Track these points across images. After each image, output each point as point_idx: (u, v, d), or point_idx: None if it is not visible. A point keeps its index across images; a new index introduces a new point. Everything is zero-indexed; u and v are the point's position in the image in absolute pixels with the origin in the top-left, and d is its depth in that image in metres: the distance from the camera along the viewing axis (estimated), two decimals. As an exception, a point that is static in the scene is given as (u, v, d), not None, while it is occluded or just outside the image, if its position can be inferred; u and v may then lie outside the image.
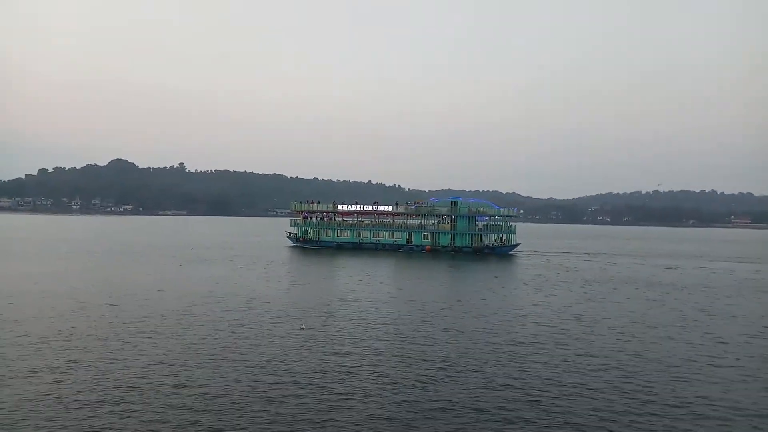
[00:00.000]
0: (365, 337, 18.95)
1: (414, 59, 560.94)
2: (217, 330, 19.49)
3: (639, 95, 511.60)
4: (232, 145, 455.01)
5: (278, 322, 20.96)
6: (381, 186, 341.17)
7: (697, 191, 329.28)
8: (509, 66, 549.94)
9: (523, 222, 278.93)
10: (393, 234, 63.41)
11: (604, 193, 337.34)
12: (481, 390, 14.03)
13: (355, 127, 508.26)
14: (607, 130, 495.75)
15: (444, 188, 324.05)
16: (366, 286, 31.70)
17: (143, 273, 35.40)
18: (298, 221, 67.13)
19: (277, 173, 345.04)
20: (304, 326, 19.78)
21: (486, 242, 61.11)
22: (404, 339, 19.01)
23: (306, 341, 18.25)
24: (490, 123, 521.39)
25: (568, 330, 21.12)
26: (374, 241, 63.05)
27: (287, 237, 68.92)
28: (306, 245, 64.78)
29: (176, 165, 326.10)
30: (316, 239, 65.02)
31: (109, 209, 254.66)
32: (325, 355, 16.68)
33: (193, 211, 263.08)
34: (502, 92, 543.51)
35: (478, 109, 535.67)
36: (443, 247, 60.98)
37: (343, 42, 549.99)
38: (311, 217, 68.22)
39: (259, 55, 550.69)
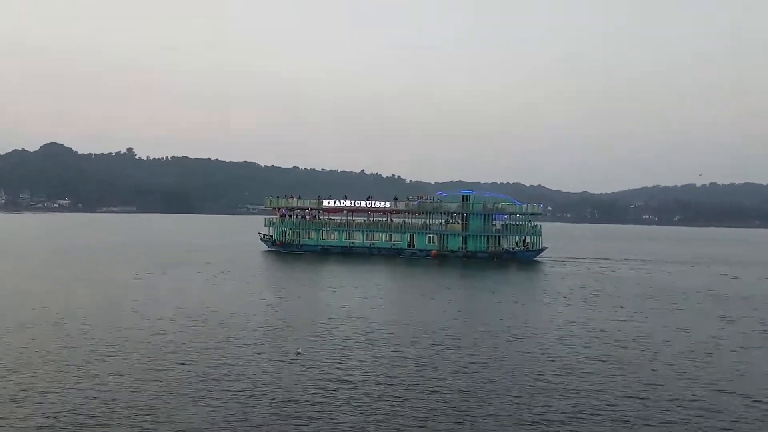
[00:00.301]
0: (373, 364, 18.97)
1: (421, 22, 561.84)
2: (194, 356, 19.36)
3: (697, 71, 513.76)
4: (193, 126, 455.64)
5: (267, 345, 20.97)
6: (377, 177, 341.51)
7: (765, 184, 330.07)
8: (535, 40, 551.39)
9: (551, 221, 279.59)
10: (391, 236, 63.51)
11: (650, 186, 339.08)
12: (532, 429, 13.94)
13: (345, 105, 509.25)
14: (652, 111, 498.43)
15: (454, 180, 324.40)
16: (362, 301, 31.69)
17: (91, 285, 35.30)
18: (274, 220, 67.18)
19: (248, 161, 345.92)
20: (300, 350, 19.90)
21: (505, 246, 61.29)
22: (419, 365, 19.02)
23: (305, 368, 18.23)
24: (511, 103, 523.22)
25: (625, 354, 20.96)
26: (368, 245, 63.15)
27: (261, 239, 68.96)
28: (284, 249, 64.83)
29: (123, 151, 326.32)
30: (297, 242, 65.06)
31: (40, 205, 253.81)
32: (329, 384, 16.61)
33: (144, 207, 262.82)
34: (526, 68, 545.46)
35: (497, 87, 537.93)
36: (452, 251, 61.12)
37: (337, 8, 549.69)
38: (290, 215, 68.23)
39: (225, 19, 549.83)
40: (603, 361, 20.17)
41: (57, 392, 15.61)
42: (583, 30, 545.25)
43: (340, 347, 20.92)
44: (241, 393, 15.81)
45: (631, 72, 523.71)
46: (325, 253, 62.47)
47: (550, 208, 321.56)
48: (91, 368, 17.82)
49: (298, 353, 19.59)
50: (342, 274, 43.95)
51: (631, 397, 16.47)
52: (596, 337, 23.81)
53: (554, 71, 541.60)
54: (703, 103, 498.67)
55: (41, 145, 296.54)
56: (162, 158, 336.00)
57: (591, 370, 18.94)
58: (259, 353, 19.94)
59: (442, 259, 59.68)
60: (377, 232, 63.79)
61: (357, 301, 31.21)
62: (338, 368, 18.30)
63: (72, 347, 20.08)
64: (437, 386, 16.86)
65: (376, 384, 16.83)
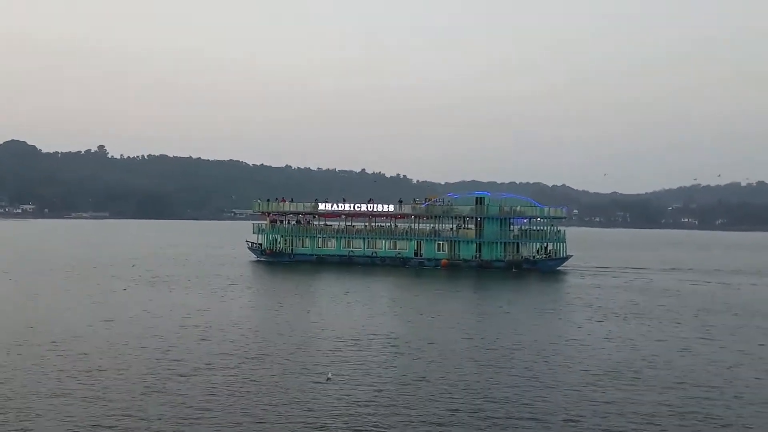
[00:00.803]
0: (403, 387, 19.14)
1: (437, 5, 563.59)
2: (212, 383, 19.25)
3: (741, 53, 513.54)
4: (172, 120, 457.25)
5: (288, 370, 20.92)
6: (379, 177, 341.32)
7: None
8: (554, 19, 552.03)
9: (577, 226, 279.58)
10: (395, 243, 63.53)
11: (687, 185, 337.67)
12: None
13: (343, 96, 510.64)
14: (689, 100, 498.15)
15: (466, 179, 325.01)
16: (367, 318, 31.50)
17: (76, 299, 35.46)
18: (264, 226, 67.26)
19: (234, 159, 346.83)
20: (330, 376, 20.01)
21: (525, 254, 61.23)
22: (442, 390, 19.02)
23: (338, 396, 18.24)
24: (529, 93, 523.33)
25: (697, 382, 20.45)
26: (369, 254, 63.17)
27: (249, 248, 69.05)
28: (275, 259, 64.89)
29: (94, 149, 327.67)
30: (289, 251, 65.15)
31: (0, 210, 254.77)
32: (367, 415, 16.54)
33: (118, 212, 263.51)
34: (545, 54, 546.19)
35: (512, 75, 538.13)
36: (465, 261, 61.08)
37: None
38: (282, 221, 68.27)
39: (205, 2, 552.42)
40: (674, 391, 19.53)
41: None
42: (610, 15, 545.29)
43: (361, 371, 20.90)
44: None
45: (667, 53, 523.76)
46: (321, 263, 62.47)
47: (575, 211, 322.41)
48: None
49: (329, 379, 19.78)
50: (341, 287, 43.85)
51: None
52: (650, 366, 22.68)
53: (578, 58, 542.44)
54: (749, 89, 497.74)
55: (0, 142, 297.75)
56: (137, 157, 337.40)
57: (669, 402, 18.27)
58: (283, 378, 20.05)
59: (454, 269, 59.60)
60: (380, 239, 63.80)
61: (361, 318, 31.14)
62: (375, 393, 18.50)
63: (95, 365, 20.03)
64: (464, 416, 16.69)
65: (412, 409, 17.19)
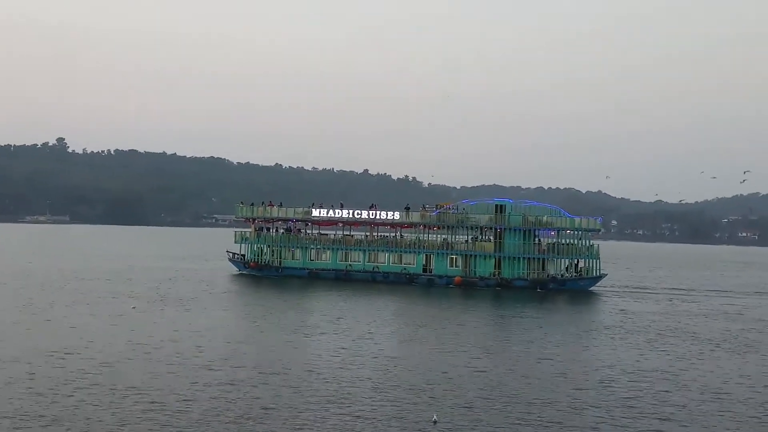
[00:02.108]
0: None
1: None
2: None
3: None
4: (143, 110, 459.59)
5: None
6: (384, 179, 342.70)
7: None
8: (589, 8, 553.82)
9: (617, 239, 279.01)
10: (401, 257, 63.76)
11: (745, 194, 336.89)
12: None
13: (343, 83, 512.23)
14: (745, 93, 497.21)
15: (486, 183, 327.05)
16: (368, 346, 31.48)
17: (78, 320, 35.69)
18: (248, 234, 67.58)
19: (216, 156, 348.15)
20: (436, 418, 20.28)
21: (552, 272, 61.36)
22: None
23: None
24: (559, 86, 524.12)
25: None
26: (370, 269, 63.37)
27: (230, 260, 69.34)
28: (260, 273, 65.19)
29: (52, 142, 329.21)
30: (277, 264, 65.43)
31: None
32: None
33: (80, 216, 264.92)
34: (575, 38, 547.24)
35: (539, 65, 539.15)
36: (482, 278, 61.26)
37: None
38: (269, 228, 68.55)
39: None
40: None
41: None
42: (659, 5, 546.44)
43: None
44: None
45: (726, 37, 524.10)
46: (313, 279, 62.69)
47: (614, 222, 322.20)
48: None
49: (435, 422, 20.08)
50: (334, 310, 43.89)
51: None
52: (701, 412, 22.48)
53: (616, 47, 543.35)
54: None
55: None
56: (102, 152, 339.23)
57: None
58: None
59: (468, 288, 59.75)
60: (383, 251, 64.04)
61: (354, 353, 30.65)
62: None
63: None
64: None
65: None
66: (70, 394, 21.51)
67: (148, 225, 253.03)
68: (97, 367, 25.07)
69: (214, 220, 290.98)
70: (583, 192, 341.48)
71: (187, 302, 44.38)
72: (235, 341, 31.48)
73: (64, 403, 20.53)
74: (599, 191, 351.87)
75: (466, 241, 64.00)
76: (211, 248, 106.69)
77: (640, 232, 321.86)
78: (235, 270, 68.31)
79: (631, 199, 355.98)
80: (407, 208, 66.76)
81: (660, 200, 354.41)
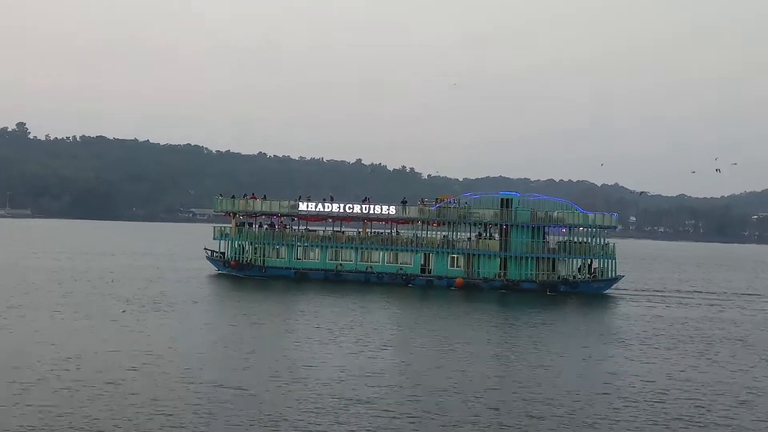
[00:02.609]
0: None
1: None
2: None
3: None
4: (111, 90, 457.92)
5: None
6: (380, 170, 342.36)
7: None
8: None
9: (636, 237, 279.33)
10: (397, 256, 63.84)
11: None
12: None
13: (331, 62, 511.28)
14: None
15: (492, 175, 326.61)
16: (364, 358, 31.47)
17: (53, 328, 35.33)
18: (228, 230, 67.56)
19: (193, 144, 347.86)
20: None
21: (563, 273, 61.47)
22: None
23: None
24: (569, 66, 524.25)
25: None
26: (364, 269, 63.44)
27: (208, 258, 69.27)
28: (241, 273, 65.17)
29: (12, 127, 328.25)
30: (260, 263, 65.46)
31: None
32: None
33: (43, 210, 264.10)
34: (589, 18, 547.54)
35: (553, 42, 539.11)
36: (486, 280, 61.37)
37: None
38: (251, 224, 68.53)
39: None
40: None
41: None
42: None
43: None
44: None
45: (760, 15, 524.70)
46: (300, 280, 62.71)
47: (633, 218, 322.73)
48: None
49: None
50: (323, 315, 43.92)
51: None
52: None
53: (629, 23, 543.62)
54: None
55: None
56: (67, 138, 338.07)
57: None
58: None
59: (471, 290, 59.83)
60: (377, 250, 64.11)
61: (351, 357, 30.75)
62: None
63: None
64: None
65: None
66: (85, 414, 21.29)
67: (118, 219, 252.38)
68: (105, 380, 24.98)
69: (191, 215, 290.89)
70: (599, 185, 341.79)
71: (167, 307, 44.33)
72: (206, 355, 31.38)
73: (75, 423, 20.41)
74: (616, 184, 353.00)
75: (469, 238, 64.06)
76: (188, 245, 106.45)
77: (662, 230, 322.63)
78: (213, 270, 68.25)
79: (651, 193, 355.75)
80: (404, 202, 66.67)
81: (683, 194, 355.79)
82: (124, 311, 41.04)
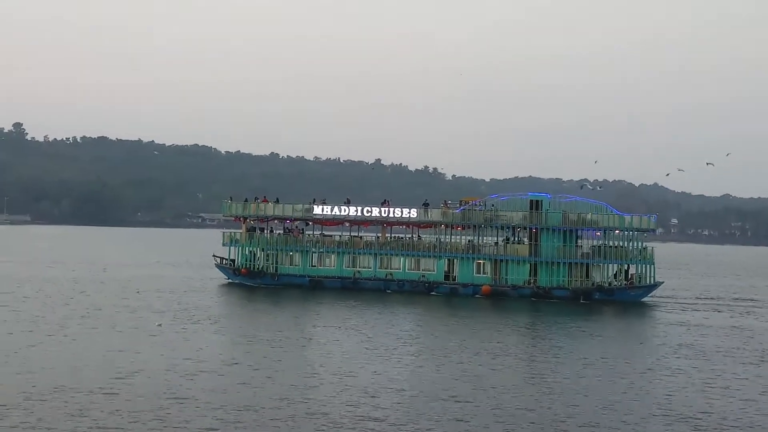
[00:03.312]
0: None
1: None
2: None
3: None
4: (114, 89, 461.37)
5: None
6: (400, 170, 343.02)
7: None
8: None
9: (678, 241, 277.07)
10: (419, 262, 63.95)
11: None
12: None
13: (352, 58, 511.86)
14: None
15: (520, 176, 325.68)
16: (386, 377, 31.08)
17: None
18: (238, 236, 67.97)
19: (201, 144, 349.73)
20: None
21: (597, 279, 61.41)
22: None
23: None
24: (603, 56, 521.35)
25: None
26: (383, 276, 63.64)
27: (217, 266, 69.59)
28: (253, 282, 65.52)
29: (8, 128, 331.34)
30: (272, 271, 65.79)
31: None
32: None
33: (44, 216, 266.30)
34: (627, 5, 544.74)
35: (588, 39, 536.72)
36: (515, 287, 61.35)
37: None
38: (263, 229, 68.91)
39: None
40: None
41: None
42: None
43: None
44: None
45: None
46: (316, 288, 63.01)
47: (674, 220, 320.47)
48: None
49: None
50: (342, 324, 44.23)
51: None
52: None
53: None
54: None
55: None
56: (67, 140, 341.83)
57: None
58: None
59: (499, 298, 59.86)
60: (397, 255, 64.26)
61: (372, 373, 30.76)
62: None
63: None
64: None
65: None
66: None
67: (122, 225, 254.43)
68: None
69: (200, 220, 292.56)
70: (636, 185, 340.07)
71: (177, 317, 44.73)
72: (216, 372, 31.67)
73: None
74: (655, 184, 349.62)
75: (496, 243, 64.00)
76: (198, 252, 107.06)
77: (706, 233, 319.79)
78: (223, 278, 68.70)
79: (694, 193, 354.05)
80: (426, 205, 66.85)
81: (728, 194, 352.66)
82: (159, 325, 41.21)
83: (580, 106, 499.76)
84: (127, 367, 29.58)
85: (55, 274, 70.91)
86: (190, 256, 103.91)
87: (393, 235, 67.61)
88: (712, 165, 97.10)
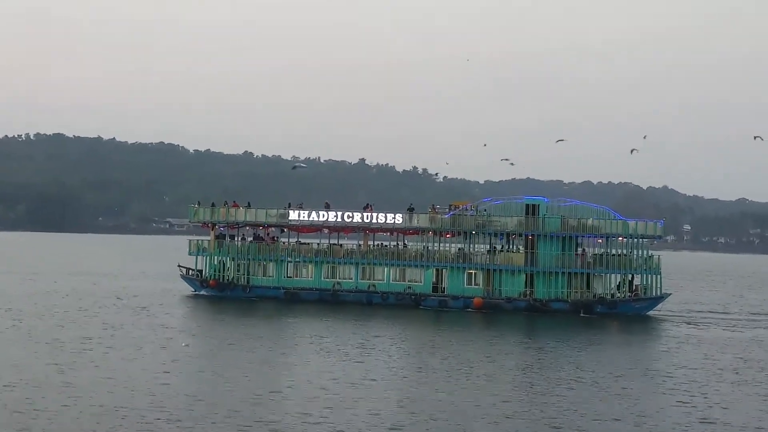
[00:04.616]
0: None
1: None
2: None
3: None
4: (71, 81, 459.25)
5: None
6: (386, 171, 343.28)
7: None
8: None
9: (692, 249, 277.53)
10: (404, 272, 63.98)
11: None
12: None
13: (333, 48, 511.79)
14: None
15: (518, 177, 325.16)
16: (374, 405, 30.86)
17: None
18: (206, 244, 67.82)
19: (167, 142, 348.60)
20: None
21: (599, 291, 61.56)
22: None
23: None
24: (609, 48, 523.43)
25: None
26: (365, 288, 63.63)
27: (182, 276, 69.33)
28: (222, 294, 65.33)
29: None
30: (244, 282, 65.70)
31: None
32: None
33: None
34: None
35: (598, 28, 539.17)
36: (509, 299, 61.38)
37: None
38: (233, 236, 68.81)
39: None
40: None
41: None
42: None
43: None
44: None
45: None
46: (292, 301, 62.93)
47: (687, 226, 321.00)
48: None
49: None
50: (321, 341, 44.01)
51: None
52: None
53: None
54: None
55: None
56: (19, 137, 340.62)
57: None
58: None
59: (492, 312, 59.84)
60: (381, 265, 64.25)
61: (353, 398, 30.31)
62: None
63: None
64: None
65: None
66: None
67: (82, 231, 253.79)
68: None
69: (167, 225, 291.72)
70: (644, 188, 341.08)
71: (134, 337, 44.40)
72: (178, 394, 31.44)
73: None
74: (664, 187, 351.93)
75: (489, 251, 64.17)
76: (163, 262, 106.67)
77: (722, 240, 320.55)
78: (190, 289, 68.46)
79: (706, 197, 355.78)
80: (410, 209, 67.00)
81: (744, 198, 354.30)
82: (186, 345, 41.04)
83: (585, 100, 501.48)
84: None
85: (42, 287, 70.32)
86: (153, 266, 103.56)
87: (376, 243, 67.64)
88: (637, 151, 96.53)
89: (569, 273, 61.51)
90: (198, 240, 69.00)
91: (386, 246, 67.07)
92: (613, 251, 62.82)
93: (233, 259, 66.69)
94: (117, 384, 30.42)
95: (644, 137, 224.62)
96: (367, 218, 66.03)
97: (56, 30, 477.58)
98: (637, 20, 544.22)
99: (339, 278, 64.58)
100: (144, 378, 32.06)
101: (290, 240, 68.61)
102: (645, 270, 61.90)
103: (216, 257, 67.02)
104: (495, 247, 64.58)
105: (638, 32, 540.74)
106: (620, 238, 63.13)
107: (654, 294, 61.90)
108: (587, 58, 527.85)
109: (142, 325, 48.93)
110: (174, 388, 30.70)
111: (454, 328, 51.85)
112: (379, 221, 65.95)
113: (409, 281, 63.70)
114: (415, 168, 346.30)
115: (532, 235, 62.49)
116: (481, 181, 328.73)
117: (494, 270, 62.49)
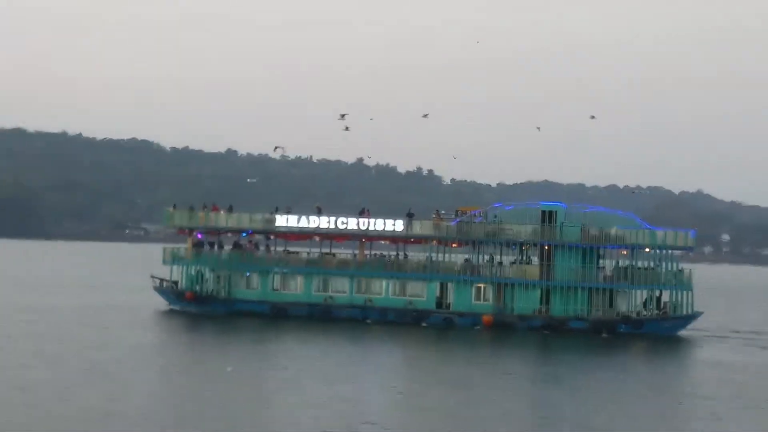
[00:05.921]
0: None
1: None
2: None
3: None
4: (35, 73, 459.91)
5: None
6: (386, 172, 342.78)
7: None
8: None
9: (731, 261, 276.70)
10: (405, 286, 64.01)
11: None
12: None
13: (328, 38, 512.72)
14: None
15: (533, 180, 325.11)
16: None
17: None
18: (182, 251, 67.85)
19: (141, 139, 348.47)
20: None
21: (622, 308, 61.57)
22: None
23: None
24: (644, 37, 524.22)
25: None
26: (361, 303, 63.65)
27: (156, 289, 69.14)
28: (200, 309, 65.27)
29: None
30: (224, 295, 65.77)
31: None
32: None
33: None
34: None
35: (617, 16, 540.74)
36: (523, 317, 61.46)
37: None
38: (213, 243, 68.85)
39: None
40: None
41: None
42: None
43: None
44: None
45: None
46: (278, 317, 62.90)
47: (726, 236, 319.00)
48: None
49: None
50: (311, 363, 44.02)
51: None
52: None
53: None
54: None
55: None
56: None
57: None
58: None
59: (503, 331, 59.87)
60: (378, 277, 64.34)
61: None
62: None
63: None
64: None
65: None
66: None
67: (45, 238, 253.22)
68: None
69: (142, 232, 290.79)
70: (676, 192, 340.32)
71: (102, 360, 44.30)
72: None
73: None
74: (699, 191, 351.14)
75: (500, 263, 64.27)
76: (135, 272, 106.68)
77: (766, 252, 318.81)
78: (164, 303, 68.38)
79: (745, 204, 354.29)
80: (410, 215, 66.89)
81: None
82: (230, 369, 40.63)
83: (610, 99, 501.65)
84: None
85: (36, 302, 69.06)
86: (122, 277, 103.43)
87: (373, 253, 67.76)
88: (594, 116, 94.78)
89: (589, 288, 61.41)
90: (173, 248, 68.82)
91: (385, 256, 67.18)
92: (639, 264, 62.85)
93: (213, 270, 66.70)
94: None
95: (592, 117, 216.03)
96: (364, 225, 65.73)
97: (19, 19, 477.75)
98: (677, 20, 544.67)
99: (331, 292, 64.51)
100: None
101: (277, 248, 68.66)
102: (674, 285, 61.78)
103: (193, 267, 66.85)
104: (506, 259, 64.58)
105: (658, 29, 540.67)
106: (647, 249, 63.09)
107: (685, 312, 61.73)
108: (605, 56, 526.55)
109: (98, 346, 46.71)
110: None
111: (460, 351, 51.81)
112: (377, 228, 65.49)
113: (410, 296, 63.58)
114: (419, 169, 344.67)
115: (549, 245, 62.51)
116: (494, 184, 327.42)
117: (505, 284, 62.47)
